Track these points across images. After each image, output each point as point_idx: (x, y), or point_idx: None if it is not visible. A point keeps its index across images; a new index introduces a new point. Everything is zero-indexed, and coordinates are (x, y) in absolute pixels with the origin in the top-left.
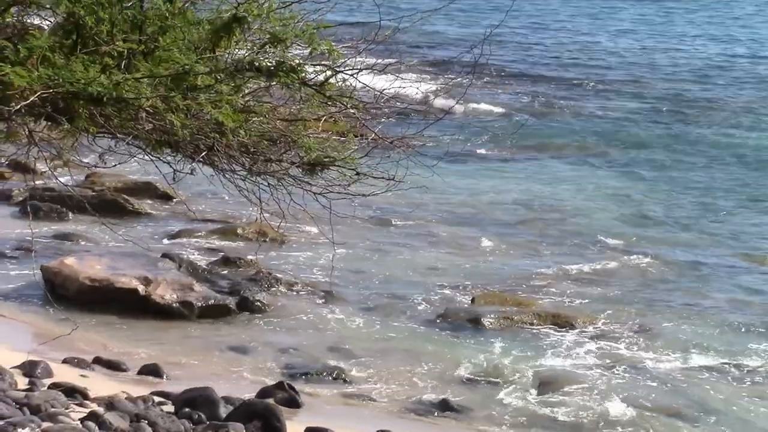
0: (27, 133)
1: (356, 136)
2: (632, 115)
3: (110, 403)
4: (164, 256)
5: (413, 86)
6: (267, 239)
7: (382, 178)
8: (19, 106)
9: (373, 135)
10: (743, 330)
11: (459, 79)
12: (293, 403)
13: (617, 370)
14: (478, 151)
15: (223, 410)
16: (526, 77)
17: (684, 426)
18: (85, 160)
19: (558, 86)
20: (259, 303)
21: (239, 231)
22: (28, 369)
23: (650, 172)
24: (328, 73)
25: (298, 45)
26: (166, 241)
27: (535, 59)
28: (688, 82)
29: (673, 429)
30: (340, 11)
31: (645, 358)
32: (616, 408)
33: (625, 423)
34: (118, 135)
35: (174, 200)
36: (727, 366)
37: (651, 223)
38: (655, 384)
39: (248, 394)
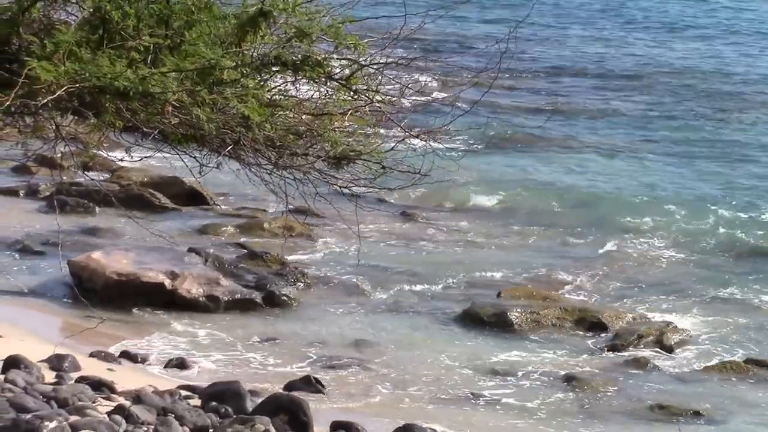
0: (54, 127)
1: (381, 130)
2: (657, 108)
3: (137, 397)
4: (190, 250)
5: (437, 80)
6: (293, 234)
7: (408, 171)
8: (45, 101)
9: (398, 128)
10: None
11: (484, 73)
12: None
13: (644, 365)
14: (502, 144)
15: (250, 404)
16: (550, 72)
17: (709, 426)
18: (112, 155)
19: (581, 82)
20: (285, 297)
21: (266, 226)
22: (56, 363)
23: (680, 166)
24: (354, 67)
25: (324, 39)
26: (192, 235)
27: (560, 54)
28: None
29: (693, 429)
30: (366, 5)
31: (672, 355)
32: (641, 403)
33: (651, 419)
34: (145, 129)
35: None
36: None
37: (679, 214)
38: (680, 381)
39: (275, 387)
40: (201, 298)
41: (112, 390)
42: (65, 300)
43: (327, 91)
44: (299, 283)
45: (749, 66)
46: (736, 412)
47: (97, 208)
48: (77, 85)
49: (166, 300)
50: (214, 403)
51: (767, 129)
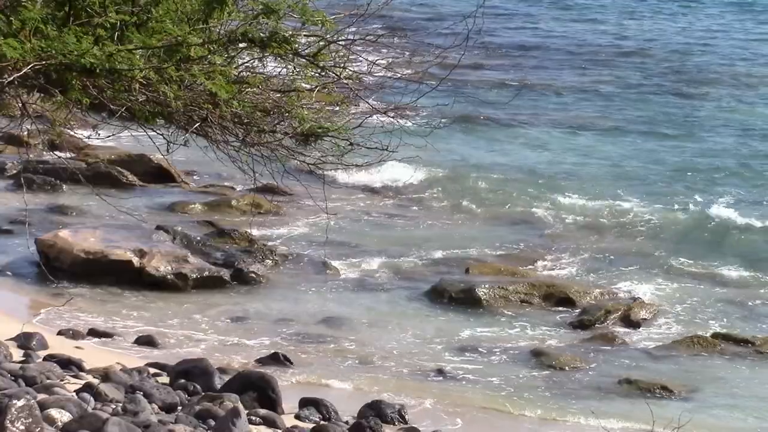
0: (20, 105)
1: (349, 106)
2: (624, 87)
3: (105, 375)
4: (158, 228)
5: (404, 56)
6: (261, 211)
7: (376, 148)
8: (11, 78)
9: (366, 105)
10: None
11: (451, 49)
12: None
13: (612, 340)
14: (471, 120)
15: (219, 381)
16: (520, 49)
17: (677, 401)
18: (79, 133)
19: (550, 59)
20: (253, 274)
21: (233, 203)
22: (23, 341)
23: (647, 140)
24: (321, 43)
25: (291, 16)
26: (160, 213)
27: (530, 32)
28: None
29: (662, 404)
30: None
31: (639, 330)
32: (610, 379)
33: (619, 394)
34: (112, 107)
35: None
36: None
37: (646, 188)
38: (649, 356)
39: (243, 365)
40: (169, 276)
41: (80, 368)
42: (33, 278)
43: (294, 67)
44: (267, 261)
45: (719, 41)
46: (704, 387)
47: (64, 186)
48: (43, 63)
49: (134, 278)
50: (182, 381)
51: (734, 105)
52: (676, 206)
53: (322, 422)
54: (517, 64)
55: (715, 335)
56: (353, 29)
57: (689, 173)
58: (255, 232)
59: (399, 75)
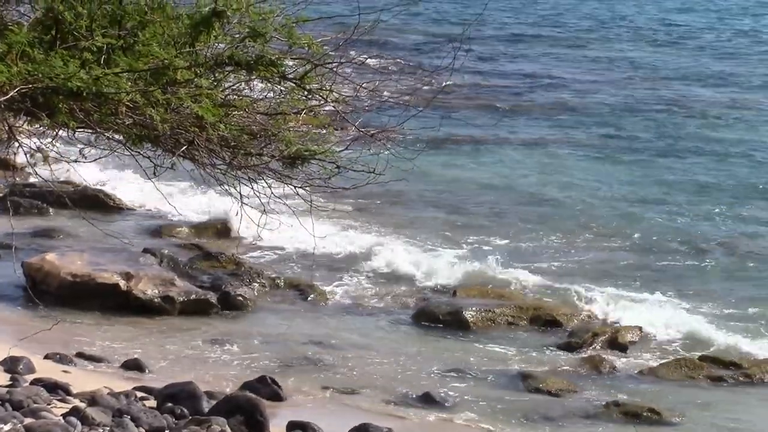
0: (6, 128)
1: (336, 129)
2: (619, 107)
3: (92, 399)
4: (145, 251)
5: (393, 78)
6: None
7: (363, 170)
8: None
9: (353, 128)
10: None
11: (436, 71)
12: (276, 397)
13: (599, 363)
14: (458, 140)
15: (206, 404)
16: (508, 67)
17: (665, 427)
18: (65, 156)
19: (538, 77)
20: (240, 298)
21: (219, 226)
22: (10, 365)
23: (639, 159)
24: (308, 66)
25: (278, 39)
26: (147, 236)
27: (519, 49)
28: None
29: (650, 428)
30: (320, 5)
31: (626, 353)
32: (597, 403)
33: (607, 419)
34: (98, 130)
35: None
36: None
37: (635, 208)
38: (636, 380)
39: (231, 388)
40: (156, 299)
41: (67, 392)
42: (20, 302)
43: (281, 90)
44: (255, 284)
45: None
46: (691, 410)
47: (51, 210)
48: (30, 86)
49: (121, 301)
50: (169, 404)
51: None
52: (663, 227)
53: None
54: (505, 84)
55: (703, 358)
56: (340, 54)
57: (670, 191)
58: (242, 255)
59: (386, 98)
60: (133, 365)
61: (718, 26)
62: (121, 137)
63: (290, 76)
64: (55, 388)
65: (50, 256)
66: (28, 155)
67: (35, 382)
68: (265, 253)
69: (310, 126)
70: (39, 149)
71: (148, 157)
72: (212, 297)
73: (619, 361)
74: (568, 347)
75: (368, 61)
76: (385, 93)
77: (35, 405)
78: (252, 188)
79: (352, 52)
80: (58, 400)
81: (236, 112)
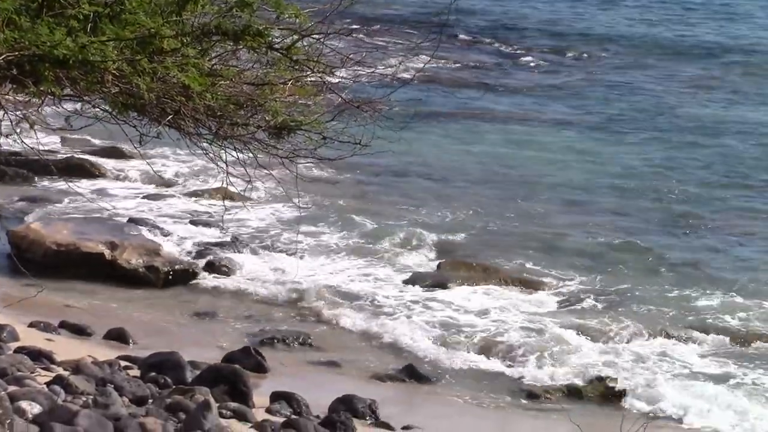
0: None
1: (322, 98)
2: (604, 86)
3: (76, 367)
4: (130, 220)
5: (380, 50)
6: (234, 202)
7: (349, 142)
8: None
9: (339, 99)
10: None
11: (425, 42)
12: (260, 367)
13: (580, 336)
14: (444, 114)
15: (190, 374)
16: (495, 43)
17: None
18: (52, 124)
19: (527, 54)
20: (225, 267)
21: (205, 194)
22: None
23: (624, 138)
24: (295, 37)
25: (265, 9)
26: (132, 205)
27: (503, 25)
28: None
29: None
30: None
31: (610, 328)
32: (574, 373)
33: (582, 388)
34: (85, 98)
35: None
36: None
37: (621, 186)
38: (615, 352)
39: (215, 358)
40: (141, 269)
41: (51, 360)
42: (4, 270)
43: (268, 60)
44: (239, 252)
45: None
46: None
47: (36, 178)
48: (16, 53)
49: (105, 270)
50: (153, 374)
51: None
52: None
53: (293, 416)
54: (491, 59)
55: None
56: (327, 24)
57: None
58: (227, 223)
59: (372, 69)
60: (117, 335)
61: None
62: (107, 106)
63: (277, 46)
64: (39, 356)
65: (35, 225)
66: (13, 123)
67: (19, 350)
68: (250, 221)
69: (297, 96)
70: (25, 116)
71: (134, 126)
72: (197, 266)
73: (608, 330)
74: (551, 317)
75: (360, 35)
76: (373, 68)
77: (19, 373)
78: (237, 158)
79: (341, 24)
80: (42, 368)
81: (223, 82)
